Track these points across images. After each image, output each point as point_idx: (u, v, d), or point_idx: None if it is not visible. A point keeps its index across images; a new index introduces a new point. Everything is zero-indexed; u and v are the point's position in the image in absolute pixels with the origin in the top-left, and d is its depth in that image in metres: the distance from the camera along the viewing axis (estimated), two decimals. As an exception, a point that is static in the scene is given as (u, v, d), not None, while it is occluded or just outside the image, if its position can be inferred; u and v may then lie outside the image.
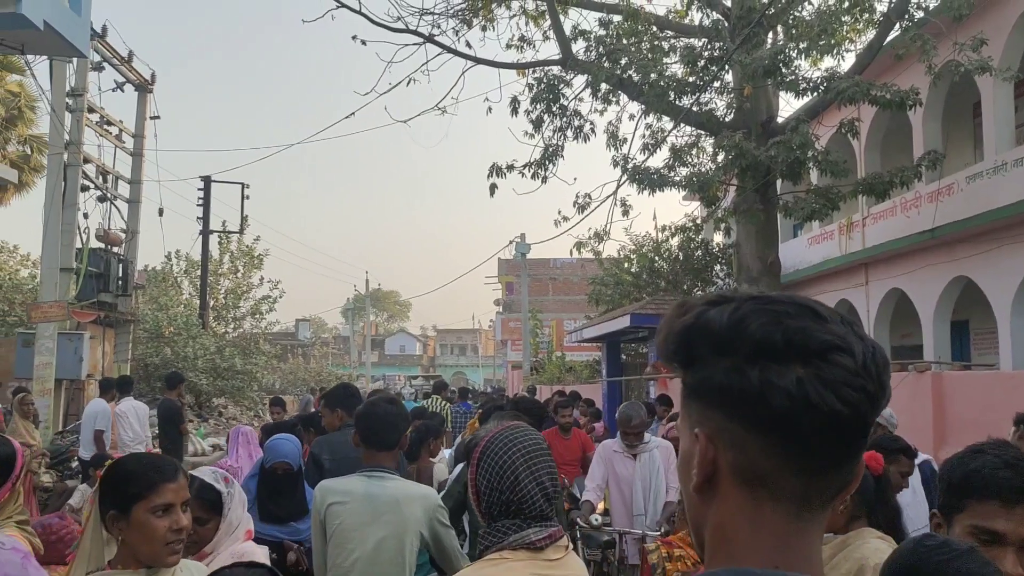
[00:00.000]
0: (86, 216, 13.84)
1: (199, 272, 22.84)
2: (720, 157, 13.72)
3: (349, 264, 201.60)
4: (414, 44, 13.79)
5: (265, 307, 25.31)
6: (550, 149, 13.99)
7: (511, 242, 29.83)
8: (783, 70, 12.09)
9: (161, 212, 16.53)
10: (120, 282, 14.72)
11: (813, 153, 12.00)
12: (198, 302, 22.56)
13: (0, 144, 24.63)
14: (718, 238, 22.41)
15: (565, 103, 14.07)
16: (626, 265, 22.42)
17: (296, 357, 38.34)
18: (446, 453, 7.85)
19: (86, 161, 14.58)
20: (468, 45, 13.86)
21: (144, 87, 16.09)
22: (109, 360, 15.44)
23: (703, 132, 14.51)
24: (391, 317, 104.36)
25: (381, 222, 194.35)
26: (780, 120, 13.67)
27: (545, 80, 13.94)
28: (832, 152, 12.95)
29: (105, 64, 14.81)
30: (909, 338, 17.13)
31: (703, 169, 14.17)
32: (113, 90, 15.68)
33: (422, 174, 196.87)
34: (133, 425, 10.28)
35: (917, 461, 4.99)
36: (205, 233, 22.14)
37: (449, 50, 13.81)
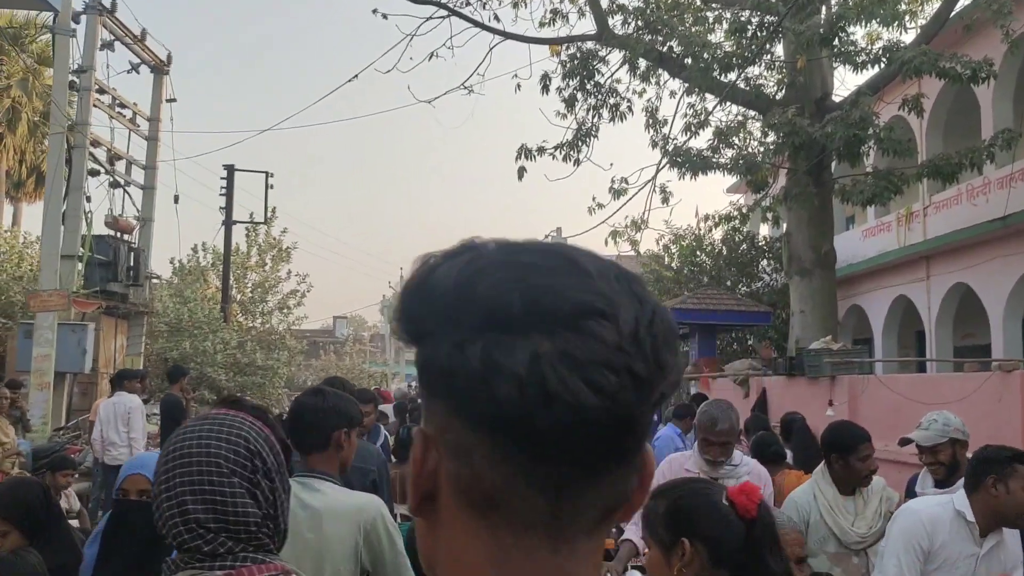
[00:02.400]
0: (88, 199, 13.16)
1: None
2: (770, 138, 12.62)
3: (383, 260, 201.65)
4: (438, 17, 12.88)
5: (292, 301, 24.68)
6: (583, 129, 12.97)
7: (547, 236, 28.84)
8: (841, 38, 10.98)
9: (177, 199, 15.89)
10: (131, 271, 14.03)
11: (874, 130, 10.85)
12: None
13: (39, 139, 24.37)
14: (765, 231, 21.24)
15: (600, 80, 13.06)
16: (667, 260, 21.35)
17: (328, 354, 37.79)
18: None
19: (95, 144, 13.90)
20: (496, 19, 12.88)
21: (159, 68, 15.41)
22: (124, 354, 14.79)
23: (751, 111, 13.40)
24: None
25: (414, 216, 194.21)
26: (836, 99, 12.54)
27: (579, 55, 12.93)
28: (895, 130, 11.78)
29: (116, 43, 14.13)
30: (971, 338, 15.83)
31: (750, 151, 13.07)
32: (128, 72, 15.02)
33: (455, 165, 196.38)
34: (101, 424, 9.47)
35: None
36: (228, 224, 21.50)
37: (475, 23, 12.88)
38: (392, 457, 5.54)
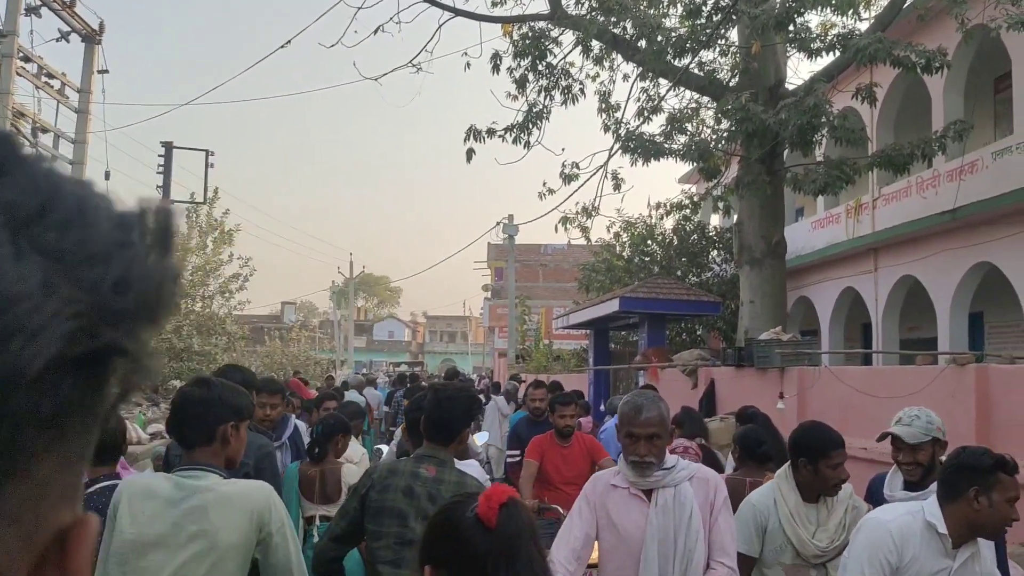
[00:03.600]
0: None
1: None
2: (723, 124, 12.40)
3: (332, 245, 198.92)
4: (385, -9, 12.37)
5: (235, 285, 23.92)
6: (535, 111, 12.60)
7: (498, 223, 28.52)
8: (796, 24, 10.76)
9: (108, 175, 15.10)
10: (56, 250, 13.27)
11: (828, 118, 10.66)
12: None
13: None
14: (715, 221, 21.10)
15: (552, 61, 12.69)
16: (618, 249, 21.14)
17: (274, 340, 36.97)
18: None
19: (20, 115, 13.15)
20: (446, -6, 12.41)
21: (91, 37, 14.64)
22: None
23: (704, 98, 13.16)
24: (381, 303, 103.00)
25: (365, 201, 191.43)
26: (789, 87, 12.35)
27: (531, 35, 12.55)
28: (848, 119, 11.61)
29: (44, 9, 13.36)
30: (917, 331, 15.88)
31: (703, 138, 12.82)
32: (57, 40, 14.22)
33: (405, 147, 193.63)
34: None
35: None
36: (166, 203, 20.64)
37: (425, -2, 12.42)
38: (307, 454, 5.06)
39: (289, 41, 12.27)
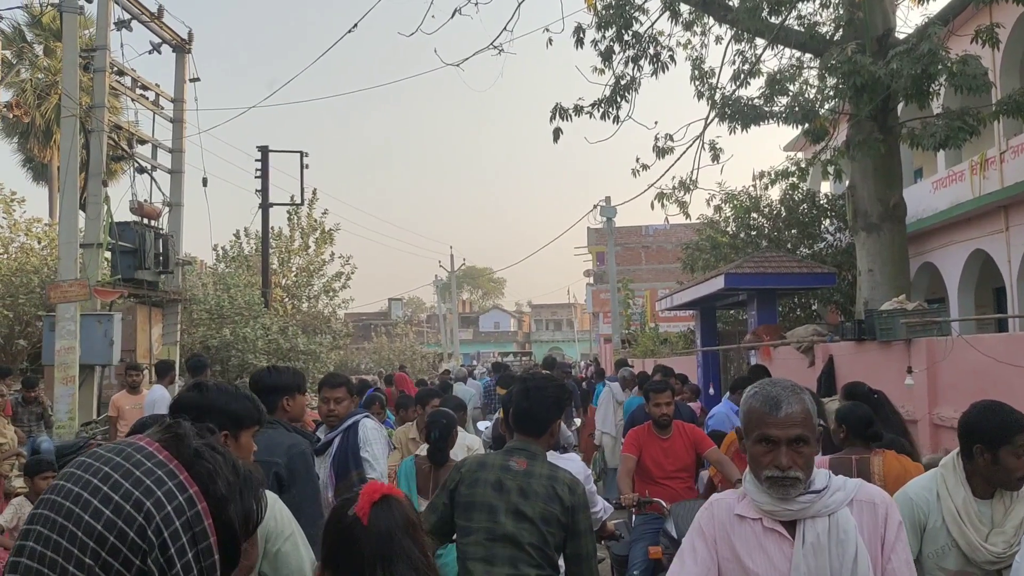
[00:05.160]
0: (105, 184, 12.64)
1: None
2: (829, 82, 11.53)
3: (432, 239, 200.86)
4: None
5: (338, 284, 24.24)
6: (622, 83, 12.02)
7: (595, 206, 27.92)
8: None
9: (205, 182, 15.33)
10: (159, 258, 13.56)
11: (945, 64, 9.70)
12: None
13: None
14: (825, 188, 19.98)
15: (639, 30, 12.07)
16: (722, 224, 20.29)
17: (380, 336, 37.49)
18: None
19: (117, 128, 13.42)
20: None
21: (180, 47, 14.84)
22: (160, 344, 14.40)
23: (806, 55, 12.29)
24: (486, 294, 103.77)
25: (459, 193, 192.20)
26: (899, 37, 11.38)
27: (614, 4, 11.96)
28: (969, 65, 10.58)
29: (134, 22, 13.60)
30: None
31: (807, 98, 11.98)
32: (149, 52, 14.47)
33: (491, 136, 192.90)
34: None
35: None
36: (265, 206, 21.01)
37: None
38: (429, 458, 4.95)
39: (356, 25, 12.06)
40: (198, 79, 15.09)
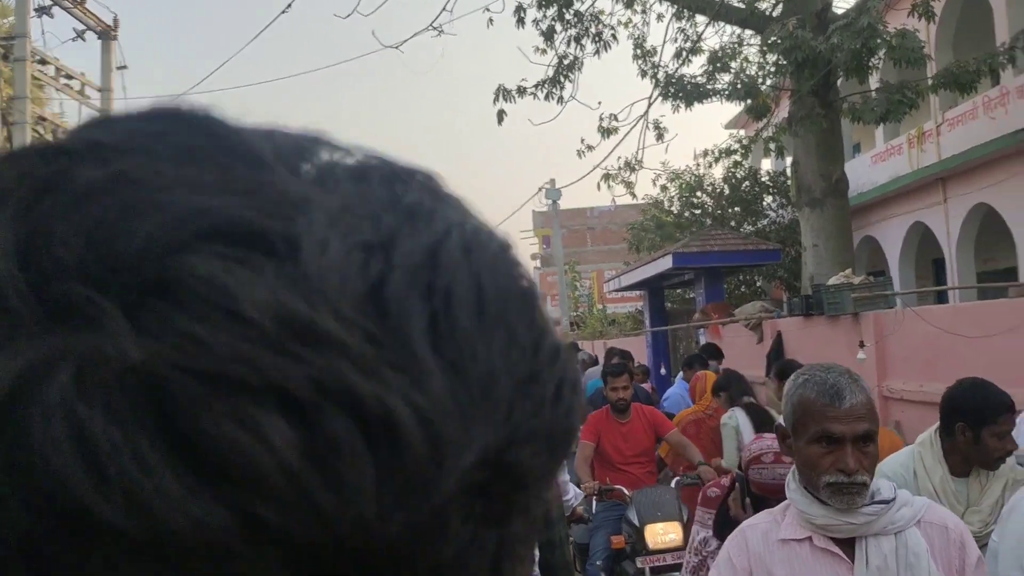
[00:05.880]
0: (29, 179, 12.11)
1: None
2: (770, 59, 11.55)
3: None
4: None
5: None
6: (565, 62, 11.88)
7: (540, 189, 27.78)
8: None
9: (137, 174, 14.80)
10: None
11: (885, 38, 9.76)
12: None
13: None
14: (767, 165, 20.16)
15: (580, 8, 11.93)
16: (666, 204, 20.37)
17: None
18: None
19: (41, 119, 12.88)
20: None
21: (106, 33, 14.28)
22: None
23: (747, 31, 12.28)
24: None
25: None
26: (837, 12, 11.43)
27: (554, -18, 11.79)
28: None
29: (55, 8, 13.03)
30: (993, 262, 14.88)
31: (749, 75, 11.98)
32: (73, 40, 13.90)
33: (431, 117, 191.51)
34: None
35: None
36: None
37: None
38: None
39: (290, 4, 11.61)
40: (125, 67, 14.56)
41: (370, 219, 0.25)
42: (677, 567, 4.53)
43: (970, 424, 2.83)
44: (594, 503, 5.28)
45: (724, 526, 3.24)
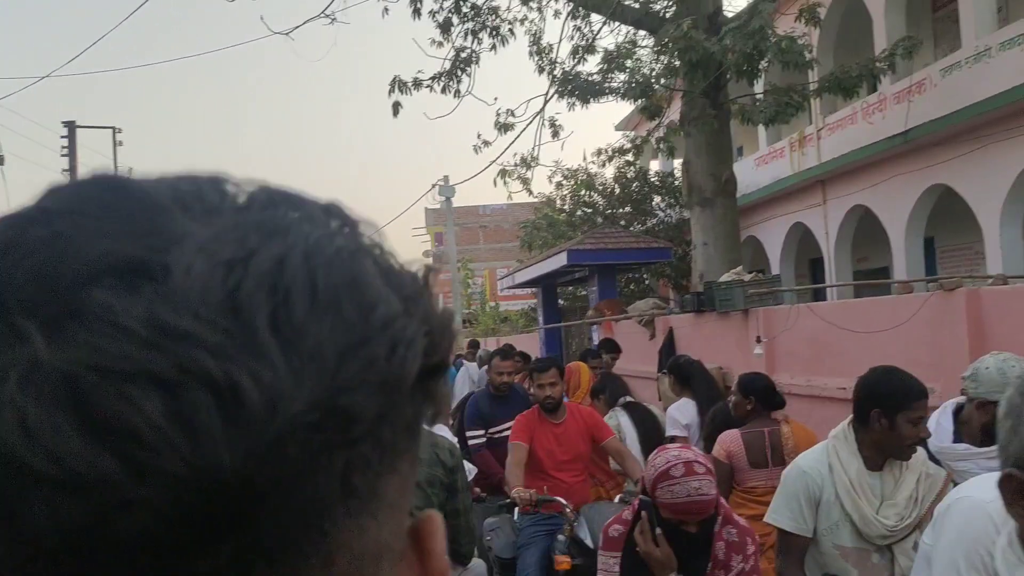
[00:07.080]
0: None
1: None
2: (663, 60, 11.71)
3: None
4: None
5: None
6: (462, 56, 11.74)
7: (433, 186, 27.55)
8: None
9: (1, 160, 13.81)
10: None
11: (775, 40, 10.02)
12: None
13: None
14: (656, 166, 20.55)
15: (477, 1, 11.80)
16: (558, 203, 20.49)
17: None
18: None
19: None
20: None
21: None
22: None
23: (641, 31, 12.42)
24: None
25: (287, 168, 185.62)
26: (728, 16, 11.69)
27: (451, -26, 11.63)
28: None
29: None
30: (866, 262, 15.59)
31: (643, 74, 12.11)
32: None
33: (326, 106, 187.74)
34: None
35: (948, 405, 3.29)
36: (74, 188, 19.27)
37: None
38: None
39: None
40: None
41: (237, 241, 0.32)
42: None
43: (885, 410, 2.80)
44: (516, 514, 4.68)
45: (635, 570, 2.84)
